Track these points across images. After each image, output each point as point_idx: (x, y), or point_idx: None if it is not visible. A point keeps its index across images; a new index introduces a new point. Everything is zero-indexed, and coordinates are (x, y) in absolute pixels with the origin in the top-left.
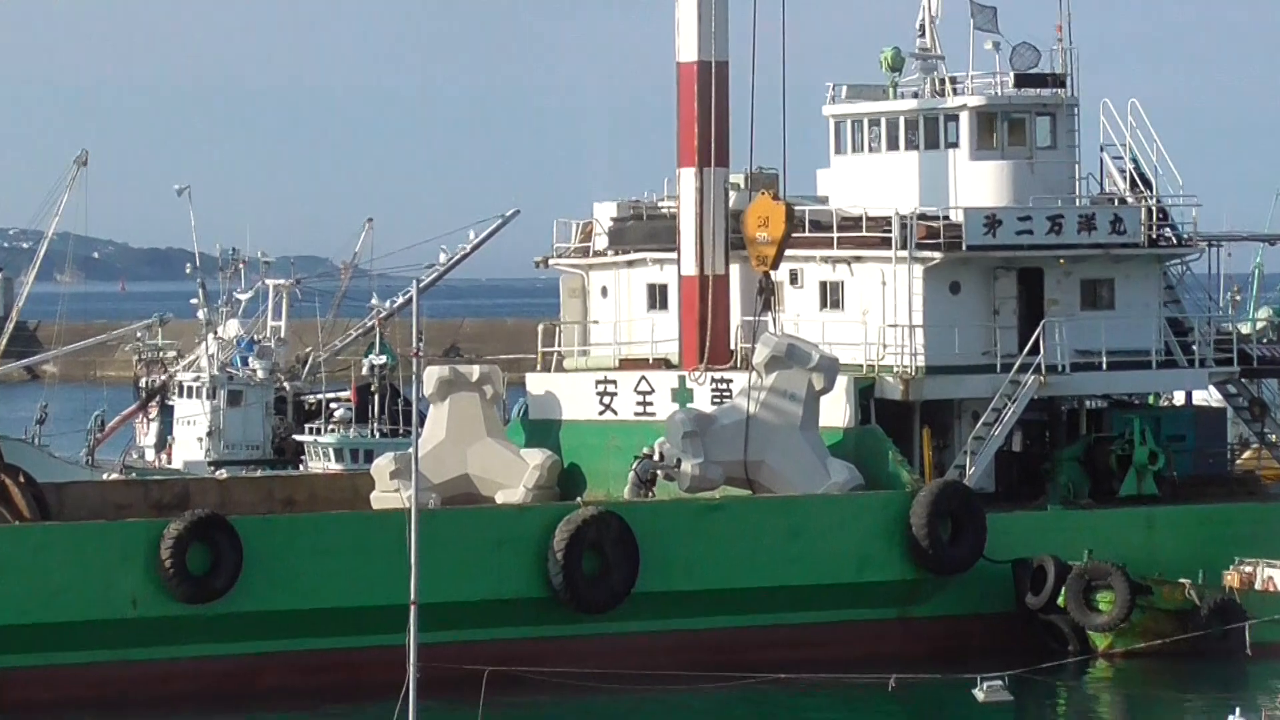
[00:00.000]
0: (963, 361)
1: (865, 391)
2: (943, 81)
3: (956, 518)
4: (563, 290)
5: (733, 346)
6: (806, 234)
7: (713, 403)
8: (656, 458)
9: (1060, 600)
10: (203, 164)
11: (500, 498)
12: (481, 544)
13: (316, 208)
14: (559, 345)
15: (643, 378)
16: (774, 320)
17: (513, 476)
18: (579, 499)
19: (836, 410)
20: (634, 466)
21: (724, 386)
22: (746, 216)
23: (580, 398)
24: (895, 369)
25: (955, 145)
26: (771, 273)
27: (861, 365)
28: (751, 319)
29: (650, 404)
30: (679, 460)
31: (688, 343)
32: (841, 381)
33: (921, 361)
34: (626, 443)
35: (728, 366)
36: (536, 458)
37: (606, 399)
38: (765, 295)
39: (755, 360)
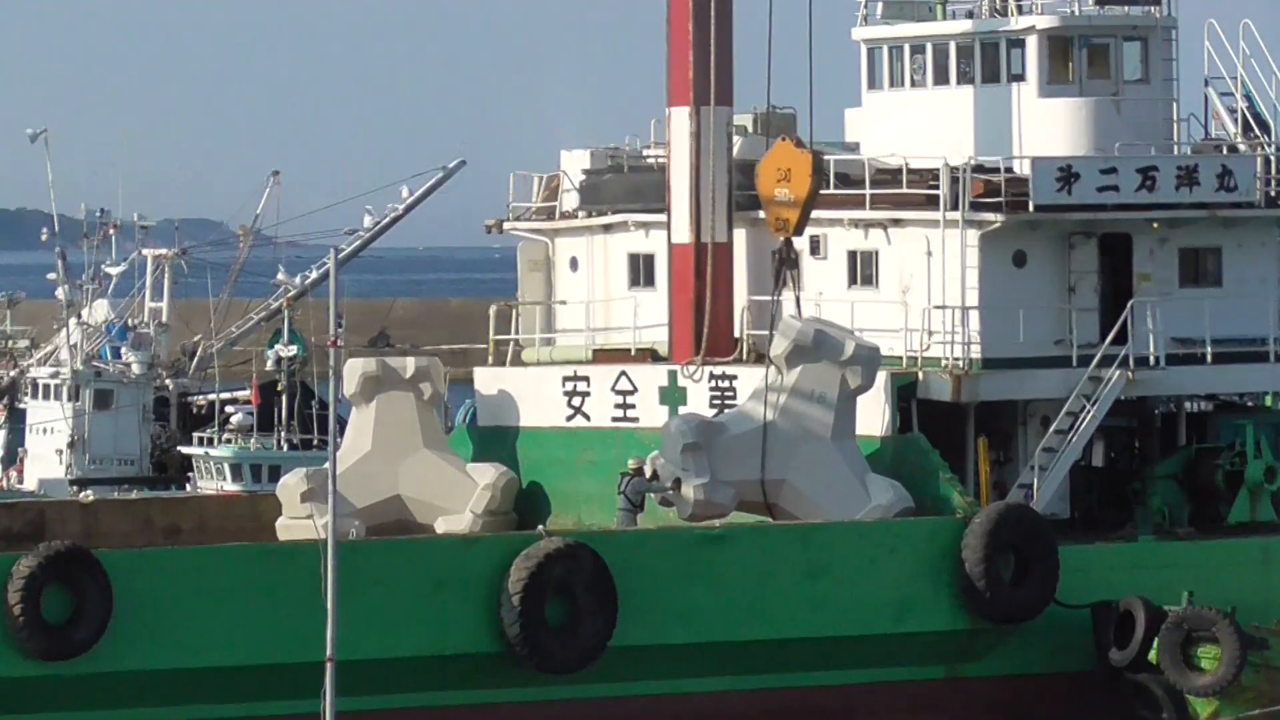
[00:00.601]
0: (1029, 352)
1: (905, 391)
2: None
3: (1021, 551)
4: (521, 262)
5: (737, 334)
6: (831, 190)
7: (712, 405)
8: (649, 475)
9: (1152, 656)
10: (63, 104)
11: (441, 526)
12: (417, 585)
13: (208, 159)
14: (516, 332)
15: (622, 373)
16: (796, 301)
17: (457, 499)
18: (541, 527)
19: (868, 415)
20: (622, 487)
21: (726, 385)
22: (762, 169)
23: (543, 399)
24: (943, 362)
25: (1021, 78)
26: (794, 241)
27: (900, 358)
28: (766, 299)
29: (632, 407)
30: (678, 480)
31: (679, 329)
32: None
33: (977, 353)
34: (602, 456)
35: (731, 359)
36: (487, 475)
37: (577, 400)
38: (785, 270)
39: (774, 352)
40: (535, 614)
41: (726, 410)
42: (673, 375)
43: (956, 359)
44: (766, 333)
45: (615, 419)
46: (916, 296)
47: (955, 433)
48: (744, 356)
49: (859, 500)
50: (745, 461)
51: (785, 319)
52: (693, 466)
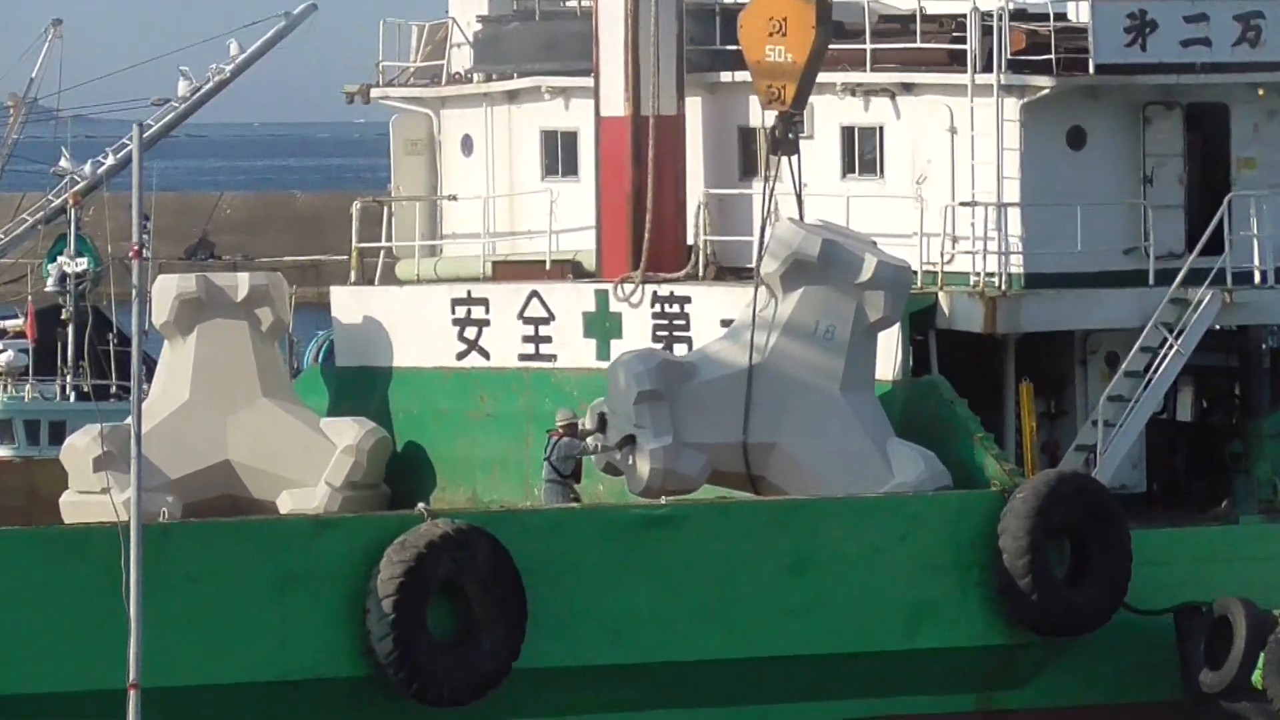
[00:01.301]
0: (1090, 266)
1: (920, 319)
2: None
3: (1079, 537)
4: (395, 143)
5: (691, 240)
6: None
7: (656, 338)
8: (589, 436)
9: (1256, 678)
10: None
11: (286, 503)
12: (252, 585)
13: None
14: (388, 238)
15: (533, 295)
16: (798, 198)
17: (307, 466)
18: (421, 506)
19: None
20: (549, 451)
21: (675, 311)
22: (747, 20)
23: (425, 329)
24: (973, 280)
25: None
26: (794, 116)
27: (914, 274)
28: (730, 193)
29: (546, 340)
30: (628, 441)
31: (611, 233)
32: None
33: (1018, 266)
34: (505, 407)
35: (682, 275)
36: (348, 434)
37: (471, 331)
38: (780, 155)
39: (765, 270)
40: (414, 625)
41: (693, 348)
42: (602, 297)
43: (990, 275)
44: (732, 239)
45: (524, 356)
46: (935, 190)
47: (989, 376)
48: (700, 272)
49: (877, 474)
50: (722, 418)
51: (783, 225)
52: (650, 422)
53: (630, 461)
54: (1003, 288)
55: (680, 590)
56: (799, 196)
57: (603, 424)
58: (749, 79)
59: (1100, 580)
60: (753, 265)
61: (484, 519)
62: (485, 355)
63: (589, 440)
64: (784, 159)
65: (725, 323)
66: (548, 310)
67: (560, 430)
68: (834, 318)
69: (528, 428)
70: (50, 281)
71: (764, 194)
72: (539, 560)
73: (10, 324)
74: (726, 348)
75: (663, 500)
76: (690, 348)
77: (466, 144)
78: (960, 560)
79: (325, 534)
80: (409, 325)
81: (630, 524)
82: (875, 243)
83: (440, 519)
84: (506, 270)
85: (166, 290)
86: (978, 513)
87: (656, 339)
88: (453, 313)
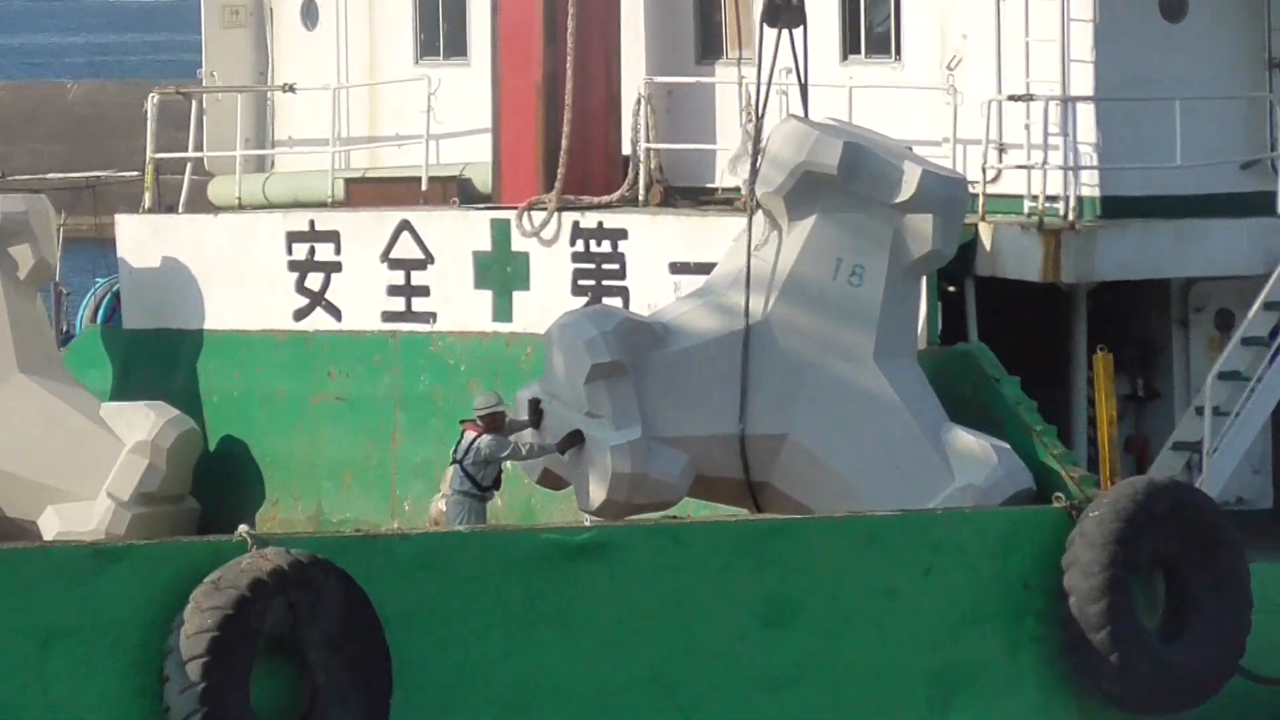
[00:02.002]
0: (1193, 187)
1: (953, 263)
2: None
3: (1179, 574)
4: (206, 11)
5: (628, 148)
6: None
7: (577, 285)
8: (519, 434)
9: None
10: None
11: (51, 523)
12: (4, 640)
13: None
14: (197, 146)
15: (404, 226)
16: (802, 92)
17: (81, 470)
18: (243, 528)
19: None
20: (459, 453)
21: (607, 250)
22: None
23: (249, 277)
24: (1027, 207)
25: None
26: None
27: (971, 190)
28: (683, 81)
29: (422, 291)
30: (570, 439)
31: (514, 140)
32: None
33: (1092, 187)
34: (363, 389)
35: (616, 199)
36: (140, 425)
37: (315, 278)
38: (782, 24)
39: (764, 187)
40: (232, 697)
41: (629, 302)
42: (501, 230)
43: (1052, 200)
44: (686, 147)
45: (390, 315)
46: (974, 78)
47: (1050, 343)
48: (641, 194)
49: (930, 474)
50: (709, 402)
51: (787, 125)
52: (610, 409)
53: (580, 468)
54: (1070, 217)
55: (611, 650)
56: (804, 87)
57: (538, 415)
58: None
59: (1207, 635)
60: (715, 185)
61: (333, 547)
62: (335, 314)
63: (519, 438)
64: (783, 32)
65: (676, 267)
66: (424, 249)
67: (478, 423)
68: (863, 254)
69: (395, 417)
70: None
71: (758, 80)
72: (411, 606)
73: None
74: (710, 302)
75: (587, 522)
76: (626, 303)
77: (309, 12)
78: (1009, 606)
79: (107, 569)
80: (227, 271)
81: (541, 555)
82: (911, 148)
83: (270, 547)
84: (365, 192)
85: None
86: (1034, 539)
87: (579, 290)
88: (289, 252)
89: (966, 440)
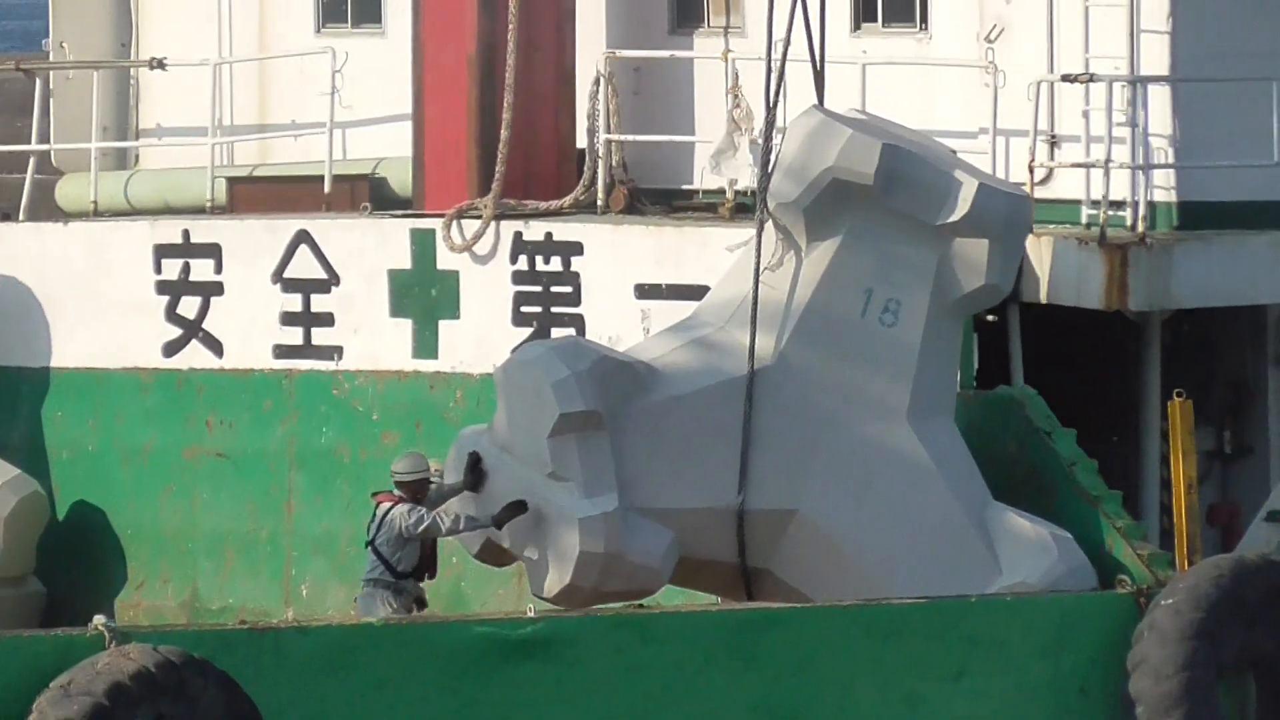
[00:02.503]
0: None
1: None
2: None
3: (1274, 675)
4: None
5: (583, 142)
6: None
7: (520, 313)
8: (447, 502)
9: None
10: None
11: None
12: None
13: None
14: (42, 138)
15: (302, 238)
16: (815, 72)
17: None
18: (99, 619)
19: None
20: (374, 529)
21: (555, 268)
22: None
23: (108, 301)
24: (1084, 215)
25: None
26: None
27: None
28: (666, 53)
29: (324, 320)
30: (516, 509)
31: (440, 132)
32: None
33: (1167, 191)
34: (249, 442)
35: (568, 204)
36: None
37: (190, 305)
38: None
39: (780, 196)
40: None
41: (587, 331)
42: (424, 243)
43: (1117, 205)
44: (658, 139)
45: (284, 351)
46: (1018, 54)
47: (1115, 386)
48: (600, 198)
49: (973, 570)
50: (700, 467)
51: (809, 116)
52: (581, 471)
53: (535, 544)
54: (1140, 228)
55: None
56: (818, 64)
57: (478, 474)
58: None
59: None
60: (693, 186)
61: (212, 643)
62: (215, 348)
63: (446, 509)
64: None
65: (644, 291)
66: (327, 267)
67: (395, 493)
68: (900, 286)
69: (290, 478)
70: None
71: (768, 53)
72: (310, 716)
73: None
74: (704, 338)
75: (529, 611)
76: (581, 333)
77: None
78: (1059, 718)
79: None
80: (79, 293)
81: (474, 653)
82: (955, 152)
83: (134, 643)
84: (253, 194)
85: None
86: (1093, 633)
87: (521, 319)
88: (157, 270)
89: (1019, 526)
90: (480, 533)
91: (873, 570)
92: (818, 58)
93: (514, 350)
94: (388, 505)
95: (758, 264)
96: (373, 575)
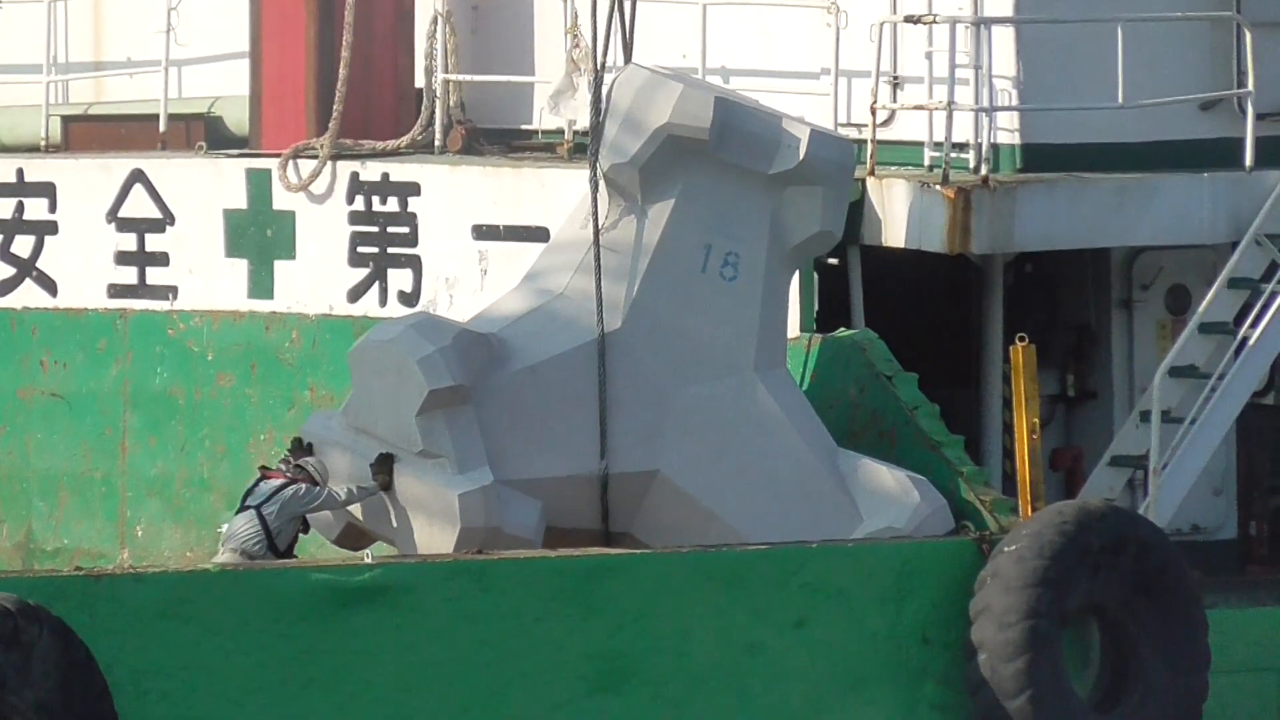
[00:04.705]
0: (1140, 133)
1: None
2: None
3: (1118, 625)
4: None
5: (422, 80)
6: None
7: (356, 254)
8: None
9: None
10: None
11: None
12: None
13: None
14: None
15: (136, 177)
16: (623, 25)
17: None
18: None
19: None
20: (253, 498)
21: (392, 207)
22: None
23: None
24: (927, 158)
25: None
26: None
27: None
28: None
29: (159, 259)
30: (382, 462)
31: (277, 67)
32: None
33: (1011, 132)
34: (83, 383)
35: (406, 144)
36: None
37: (23, 245)
38: None
39: (616, 156)
40: None
41: (424, 277)
42: (259, 182)
43: (960, 148)
44: (499, 79)
45: (118, 290)
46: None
47: (955, 329)
48: (437, 137)
49: (836, 518)
50: (559, 435)
51: (633, 73)
52: (452, 447)
53: (405, 521)
54: (983, 171)
55: (400, 714)
56: (627, 20)
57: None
58: None
59: (1153, 701)
60: (532, 127)
61: (46, 589)
62: (49, 287)
63: (352, 488)
64: None
65: (482, 232)
66: (162, 206)
67: (286, 473)
68: (736, 239)
69: (125, 419)
70: None
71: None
72: (146, 665)
73: None
74: (550, 305)
75: (366, 556)
76: (419, 277)
77: None
78: (903, 666)
79: None
80: None
81: (312, 599)
82: (775, 110)
83: None
84: (88, 133)
85: None
86: (934, 580)
87: (357, 259)
88: None
89: (875, 471)
90: (340, 516)
91: (734, 525)
92: (627, 11)
93: (368, 333)
94: (280, 481)
95: (596, 229)
96: (250, 546)
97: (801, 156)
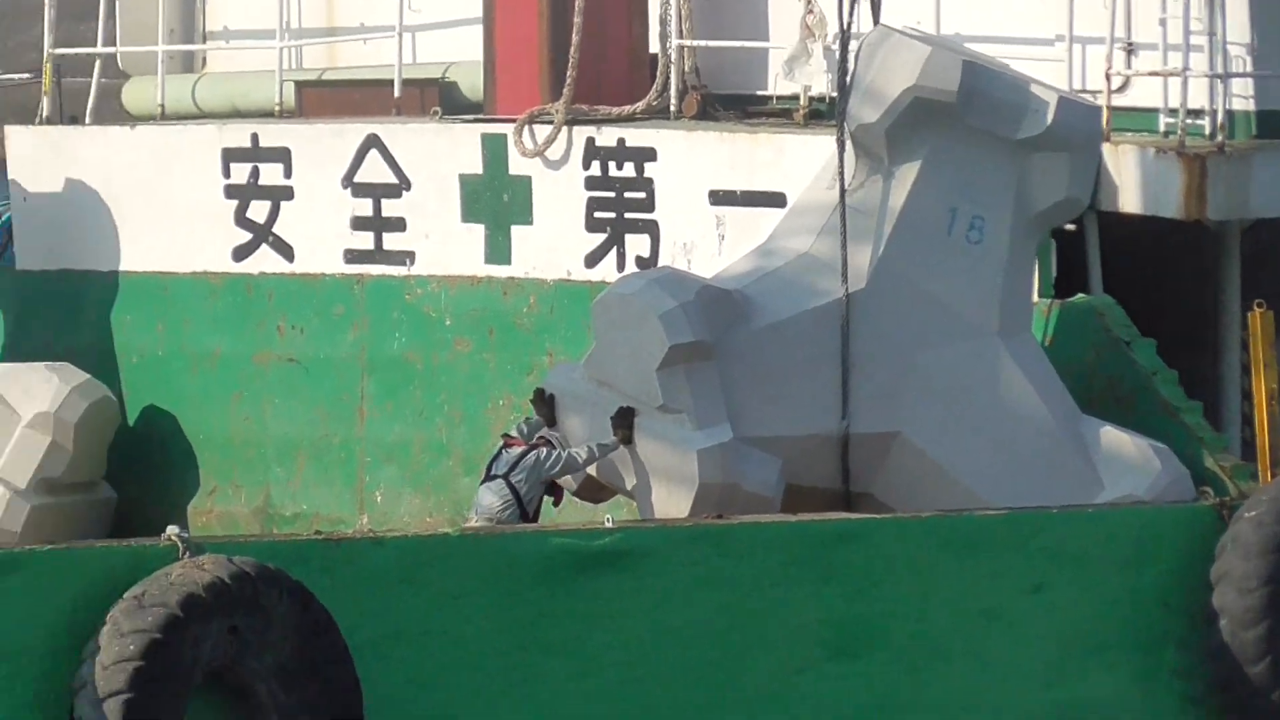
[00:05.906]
0: None
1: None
2: None
3: None
4: None
5: (657, 46)
6: None
7: (593, 218)
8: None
9: None
10: None
11: None
12: None
13: None
14: (108, 40)
15: (372, 142)
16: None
17: None
18: (172, 529)
19: None
20: (500, 466)
21: (628, 172)
22: None
23: (176, 206)
24: (1162, 124)
25: None
26: None
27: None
28: None
29: (396, 224)
30: (622, 417)
31: (511, 34)
32: None
33: (1245, 99)
34: (321, 348)
35: (641, 109)
36: (41, 392)
37: (259, 209)
38: None
39: (863, 117)
40: None
41: (660, 241)
42: (495, 147)
43: (1196, 114)
44: (732, 44)
45: (355, 255)
46: None
47: (1192, 296)
48: (673, 103)
49: (1076, 485)
50: (800, 394)
51: (883, 36)
52: (693, 403)
53: (645, 476)
54: (1218, 137)
55: (636, 686)
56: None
57: (550, 406)
58: None
59: None
60: (767, 92)
61: (287, 554)
62: (285, 253)
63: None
64: None
65: (718, 197)
66: (397, 172)
67: (529, 426)
68: (982, 203)
69: (362, 384)
70: None
71: None
72: (386, 630)
73: None
74: (794, 264)
75: (607, 522)
76: (656, 242)
77: None
78: (1142, 632)
79: (5, 579)
80: (147, 197)
81: (551, 565)
82: (1013, 68)
83: (207, 554)
84: (322, 99)
85: None
86: (1174, 546)
87: (594, 225)
88: (226, 175)
89: (1117, 438)
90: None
91: (975, 489)
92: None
93: (612, 285)
94: (522, 449)
95: (842, 189)
96: (503, 515)
97: (1049, 122)
